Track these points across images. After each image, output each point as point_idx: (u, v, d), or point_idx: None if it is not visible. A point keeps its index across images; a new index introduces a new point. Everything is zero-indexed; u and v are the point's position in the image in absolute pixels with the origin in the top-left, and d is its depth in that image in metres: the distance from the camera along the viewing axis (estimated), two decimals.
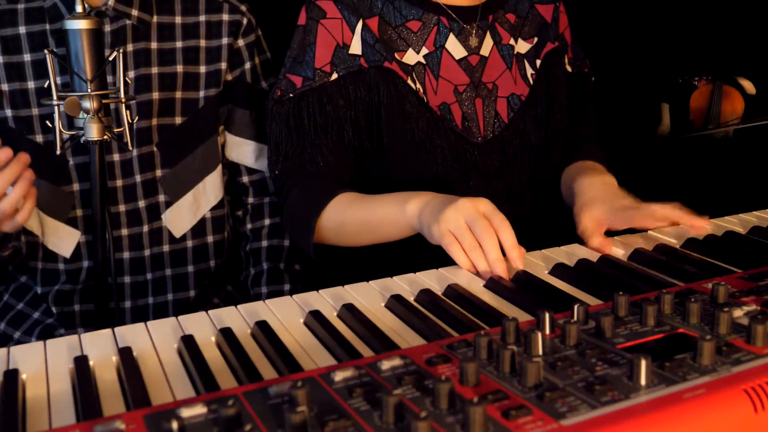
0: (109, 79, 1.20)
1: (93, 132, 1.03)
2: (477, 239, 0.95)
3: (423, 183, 1.23)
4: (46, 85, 1.06)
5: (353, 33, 1.21)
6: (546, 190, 1.35)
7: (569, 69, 1.38)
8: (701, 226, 1.08)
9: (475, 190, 1.25)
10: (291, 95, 1.21)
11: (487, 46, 1.28)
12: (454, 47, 1.25)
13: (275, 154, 1.25)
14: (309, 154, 1.22)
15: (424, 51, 1.24)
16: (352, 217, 1.15)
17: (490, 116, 1.27)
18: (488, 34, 1.28)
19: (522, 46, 1.31)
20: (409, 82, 1.22)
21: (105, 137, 1.04)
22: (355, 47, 1.21)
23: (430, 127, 1.22)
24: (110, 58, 1.05)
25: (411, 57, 1.23)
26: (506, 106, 1.28)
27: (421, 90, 1.22)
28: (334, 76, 1.20)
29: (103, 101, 1.03)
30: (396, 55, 1.22)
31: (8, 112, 1.21)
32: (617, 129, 2.34)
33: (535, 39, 1.33)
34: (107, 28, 1.22)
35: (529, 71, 1.31)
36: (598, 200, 1.11)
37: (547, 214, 1.35)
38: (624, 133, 2.46)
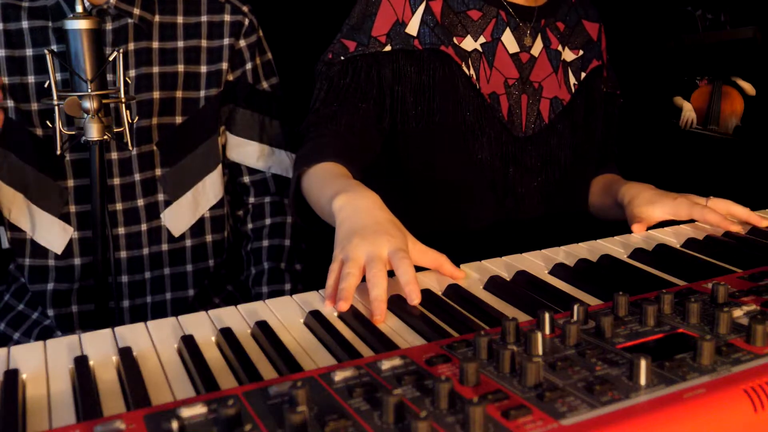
0: (110, 77, 1.20)
1: (93, 132, 1.03)
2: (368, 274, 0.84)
3: (467, 168, 1.27)
4: (46, 85, 1.06)
5: (413, 13, 1.24)
6: (576, 192, 1.41)
7: (603, 89, 1.43)
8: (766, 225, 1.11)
9: (512, 180, 1.30)
10: (342, 58, 1.24)
11: (538, 47, 1.32)
12: (509, 41, 1.29)
13: (310, 110, 1.25)
14: (335, 112, 1.21)
15: (482, 40, 1.28)
16: (317, 188, 1.10)
17: (533, 114, 1.31)
18: (540, 36, 1.33)
19: (568, 55, 1.36)
20: (464, 67, 1.25)
21: (105, 137, 1.04)
22: (412, 27, 1.24)
23: (479, 112, 1.26)
24: (110, 58, 1.05)
25: (469, 43, 1.27)
26: (549, 107, 1.32)
27: (474, 77, 1.26)
28: (388, 47, 1.24)
29: (103, 101, 1.03)
30: (455, 39, 1.26)
31: (9, 104, 1.22)
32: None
33: (581, 52, 1.38)
34: (108, 26, 1.22)
35: (572, 80, 1.36)
36: (657, 197, 1.18)
37: (576, 214, 1.41)
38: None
